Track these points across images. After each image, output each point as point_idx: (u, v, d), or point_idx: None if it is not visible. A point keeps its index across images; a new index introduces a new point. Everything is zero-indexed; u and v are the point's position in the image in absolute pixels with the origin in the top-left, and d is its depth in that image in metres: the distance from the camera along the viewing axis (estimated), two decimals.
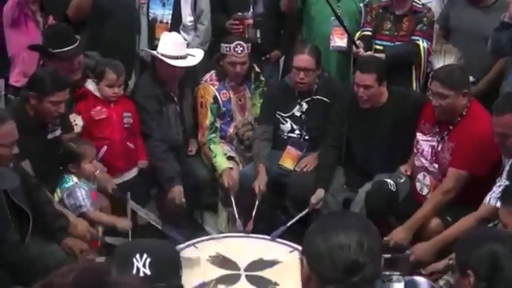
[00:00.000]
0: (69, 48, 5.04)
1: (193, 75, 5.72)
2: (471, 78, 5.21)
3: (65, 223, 4.33)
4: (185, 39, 5.63)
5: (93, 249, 4.54)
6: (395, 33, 5.56)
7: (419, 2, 5.59)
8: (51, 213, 4.30)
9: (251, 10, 5.99)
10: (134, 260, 2.44)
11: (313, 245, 2.13)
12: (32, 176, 4.32)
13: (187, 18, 5.95)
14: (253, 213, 5.11)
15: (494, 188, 4.25)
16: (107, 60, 5.24)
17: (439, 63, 4.86)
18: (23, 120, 4.31)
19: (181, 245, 4.28)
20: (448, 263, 3.97)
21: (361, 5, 5.79)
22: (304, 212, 4.99)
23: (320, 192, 5.09)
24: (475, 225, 4.17)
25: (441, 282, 4.02)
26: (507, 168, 4.26)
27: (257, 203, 5.15)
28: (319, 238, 2.12)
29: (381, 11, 5.63)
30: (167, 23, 5.92)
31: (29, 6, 5.39)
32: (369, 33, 5.61)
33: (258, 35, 6.00)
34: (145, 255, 2.44)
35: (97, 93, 5.15)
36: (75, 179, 4.67)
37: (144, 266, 2.43)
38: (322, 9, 5.69)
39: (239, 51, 5.40)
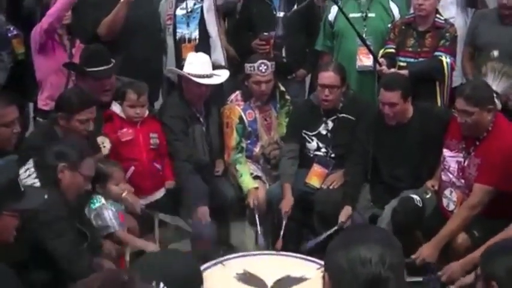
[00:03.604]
0: (103, 68, 5.14)
1: (219, 95, 5.77)
2: None
3: (100, 241, 4.43)
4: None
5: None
6: (419, 50, 5.54)
7: (442, 18, 5.58)
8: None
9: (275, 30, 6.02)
10: None
11: (334, 260, 2.11)
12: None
13: (214, 33, 5.99)
14: (282, 233, 5.13)
15: None
16: (130, 81, 5.31)
17: (493, 84, 4.81)
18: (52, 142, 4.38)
19: (208, 263, 4.30)
20: (475, 277, 3.95)
21: (389, 25, 5.79)
22: (334, 229, 5.00)
23: (348, 210, 5.10)
24: None
25: None
26: None
27: (284, 223, 5.17)
28: (340, 252, 2.11)
29: (403, 27, 5.63)
30: (195, 39, 5.96)
31: (57, 31, 5.46)
32: (392, 50, 5.60)
33: (284, 53, 6.01)
34: (162, 285, 2.38)
35: (122, 115, 5.22)
36: (102, 200, 4.70)
37: None
38: (347, 27, 5.68)
39: (263, 70, 5.44)
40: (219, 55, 5.92)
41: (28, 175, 3.94)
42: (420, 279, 4.38)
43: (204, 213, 5.11)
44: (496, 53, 5.56)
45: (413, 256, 4.53)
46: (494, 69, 4.94)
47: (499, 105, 4.79)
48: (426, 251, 4.58)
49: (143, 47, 5.79)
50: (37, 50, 5.43)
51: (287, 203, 5.25)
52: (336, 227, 5.01)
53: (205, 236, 5.11)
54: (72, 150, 4.09)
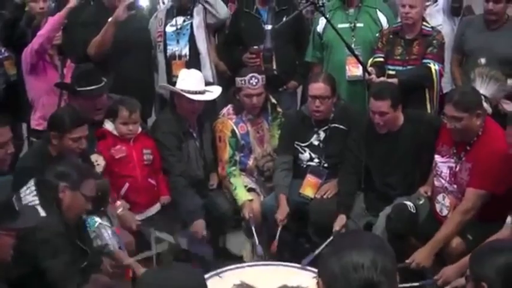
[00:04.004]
0: (95, 87, 5.17)
1: (212, 110, 5.80)
2: None
3: (100, 260, 4.43)
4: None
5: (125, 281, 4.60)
6: (407, 58, 5.56)
7: (429, 25, 5.61)
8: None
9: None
10: None
11: (327, 266, 2.12)
12: None
13: (203, 50, 6.02)
14: (277, 236, 5.16)
15: None
16: (121, 98, 5.35)
17: (481, 88, 4.84)
18: (46, 162, 4.39)
19: (206, 276, 4.30)
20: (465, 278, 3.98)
21: (377, 34, 5.81)
22: (329, 240, 5.01)
23: (342, 219, 5.12)
24: None
25: None
26: None
27: (279, 229, 5.19)
28: (333, 258, 2.12)
29: (391, 36, 5.66)
30: (185, 55, 5.99)
31: (48, 52, 5.50)
32: (381, 59, 5.62)
33: (274, 66, 5.99)
34: None
35: (115, 133, 5.25)
36: (97, 220, 4.66)
37: None
38: (335, 38, 5.69)
39: (254, 83, 5.47)
40: (208, 72, 5.94)
41: (29, 193, 3.98)
42: (417, 284, 4.41)
43: (200, 226, 5.14)
44: (483, 60, 5.60)
45: (407, 261, 4.55)
46: (481, 74, 4.96)
47: (488, 110, 4.81)
48: (420, 256, 4.60)
49: (134, 64, 5.85)
50: (28, 70, 5.47)
51: (282, 212, 5.28)
52: (330, 238, 5.03)
53: (204, 256, 5.14)
54: (73, 170, 4.11)
